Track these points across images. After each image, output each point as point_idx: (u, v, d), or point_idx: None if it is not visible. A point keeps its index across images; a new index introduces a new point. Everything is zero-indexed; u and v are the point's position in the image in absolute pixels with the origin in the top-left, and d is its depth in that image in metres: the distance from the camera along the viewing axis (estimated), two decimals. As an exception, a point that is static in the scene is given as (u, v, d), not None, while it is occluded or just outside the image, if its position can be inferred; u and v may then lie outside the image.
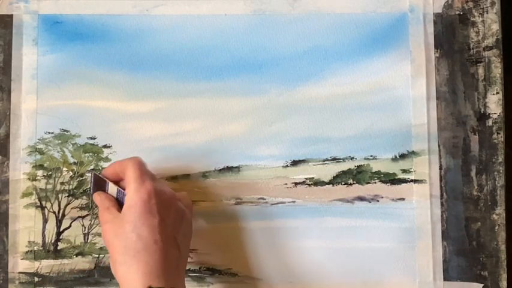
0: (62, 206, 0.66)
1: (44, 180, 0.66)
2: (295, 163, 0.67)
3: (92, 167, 0.66)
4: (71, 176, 0.66)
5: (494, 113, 0.67)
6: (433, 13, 0.67)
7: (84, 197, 0.66)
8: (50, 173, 0.66)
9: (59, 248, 0.65)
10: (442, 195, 0.66)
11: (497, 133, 0.66)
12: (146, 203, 0.55)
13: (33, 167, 0.66)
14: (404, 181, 0.66)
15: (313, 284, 0.65)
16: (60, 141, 0.66)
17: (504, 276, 0.66)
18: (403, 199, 0.66)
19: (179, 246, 0.57)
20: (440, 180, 0.66)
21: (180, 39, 0.67)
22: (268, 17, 0.67)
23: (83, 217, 0.66)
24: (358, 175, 0.66)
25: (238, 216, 0.66)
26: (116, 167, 0.60)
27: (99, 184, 0.61)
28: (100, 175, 0.61)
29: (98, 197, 0.60)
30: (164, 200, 0.57)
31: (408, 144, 0.66)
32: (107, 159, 0.66)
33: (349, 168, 0.66)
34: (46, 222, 0.66)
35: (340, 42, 0.67)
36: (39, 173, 0.66)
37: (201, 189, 0.66)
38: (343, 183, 0.66)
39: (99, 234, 0.66)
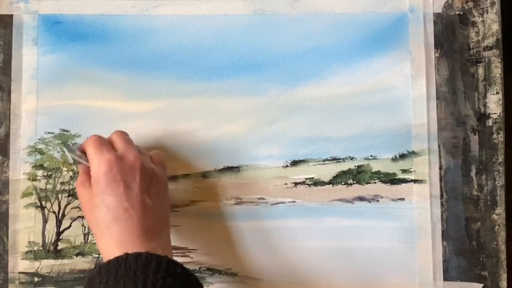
0: (62, 206, 0.66)
1: (44, 180, 0.66)
2: (295, 163, 0.67)
3: (92, 167, 0.66)
4: (71, 176, 0.66)
5: (494, 113, 0.67)
6: (433, 13, 0.67)
7: (84, 197, 0.66)
8: (50, 173, 0.66)
9: (59, 248, 0.65)
10: (442, 195, 0.66)
11: (497, 133, 0.66)
12: (108, 173, 0.56)
13: (33, 167, 0.66)
14: (404, 181, 0.66)
15: (313, 284, 0.65)
16: (60, 141, 0.66)
17: (504, 276, 0.66)
18: (403, 199, 0.66)
19: (152, 209, 0.57)
20: (440, 180, 0.66)
21: (180, 39, 0.67)
22: (268, 17, 0.67)
23: (83, 217, 0.66)
24: (358, 175, 0.66)
25: (238, 216, 0.66)
26: (80, 149, 0.60)
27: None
28: (71, 147, 0.61)
29: (79, 168, 0.61)
30: (127, 166, 0.57)
31: (408, 144, 0.66)
32: (107, 159, 0.66)
33: (349, 168, 0.66)
34: (46, 222, 0.66)
35: (340, 42, 0.67)
36: (39, 173, 0.66)
37: (201, 189, 0.66)
38: (343, 183, 0.66)
39: (99, 234, 0.66)
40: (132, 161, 0.57)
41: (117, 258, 0.52)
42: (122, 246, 0.54)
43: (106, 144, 0.59)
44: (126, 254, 0.52)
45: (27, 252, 0.65)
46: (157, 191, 0.59)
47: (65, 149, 0.62)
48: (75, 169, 0.66)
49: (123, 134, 0.61)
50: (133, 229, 0.55)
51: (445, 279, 0.65)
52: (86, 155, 0.59)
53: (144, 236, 0.55)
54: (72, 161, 0.60)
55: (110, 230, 0.55)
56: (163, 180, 0.61)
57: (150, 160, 0.61)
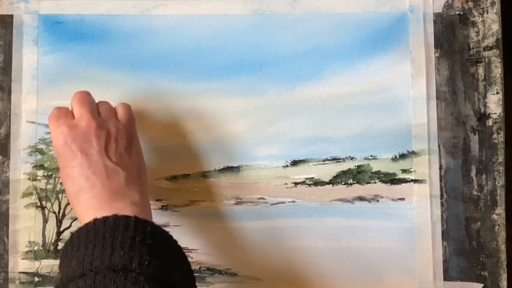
0: (62, 206, 0.66)
1: (44, 180, 0.66)
2: (295, 163, 0.67)
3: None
4: (71, 176, 0.66)
5: (494, 113, 0.67)
6: (433, 13, 0.67)
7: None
8: (50, 173, 0.66)
9: (59, 248, 0.65)
10: (442, 195, 0.66)
11: (497, 133, 0.66)
12: (64, 147, 0.56)
13: (33, 167, 0.66)
14: (404, 181, 0.66)
15: (313, 284, 0.65)
16: (60, 141, 0.66)
17: (504, 276, 0.65)
18: (403, 199, 0.66)
19: (116, 170, 0.56)
20: (440, 180, 0.66)
21: (180, 39, 0.67)
22: (268, 17, 0.67)
23: (83, 217, 0.66)
24: (358, 175, 0.66)
25: (238, 216, 0.66)
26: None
27: None
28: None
29: None
30: (81, 134, 0.57)
31: (408, 144, 0.66)
32: (107, 159, 0.66)
33: (349, 168, 0.66)
34: (46, 222, 0.66)
35: (340, 42, 0.67)
36: (40, 173, 0.66)
37: (201, 189, 0.66)
38: (343, 183, 0.66)
39: (99, 234, 0.66)
40: (85, 127, 0.57)
41: (86, 225, 0.52)
42: (92, 213, 0.54)
43: (63, 115, 0.58)
44: (95, 220, 0.52)
45: (27, 252, 0.65)
46: (119, 149, 0.58)
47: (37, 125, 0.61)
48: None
49: (81, 96, 0.60)
50: (99, 195, 0.55)
51: (445, 279, 0.65)
52: None
53: (111, 199, 0.55)
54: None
55: (78, 200, 0.56)
56: (127, 136, 0.59)
57: (115, 115, 0.60)
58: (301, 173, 0.66)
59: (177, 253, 0.53)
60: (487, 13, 0.67)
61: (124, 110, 0.62)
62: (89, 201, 0.55)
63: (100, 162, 0.56)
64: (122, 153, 0.58)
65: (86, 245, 0.50)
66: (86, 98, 0.60)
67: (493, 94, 0.67)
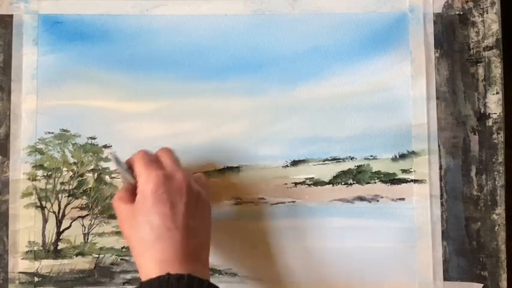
0: (62, 206, 0.66)
1: (44, 180, 0.66)
2: (295, 163, 0.67)
3: (92, 167, 0.66)
4: (71, 176, 0.66)
5: (494, 113, 0.67)
6: (433, 13, 0.67)
7: (84, 197, 0.66)
8: (50, 173, 0.66)
9: (59, 248, 0.65)
10: (442, 195, 0.66)
11: (497, 133, 0.66)
12: (155, 192, 0.56)
13: (33, 167, 0.66)
14: (404, 181, 0.66)
15: (313, 284, 0.65)
16: (60, 141, 0.66)
17: (504, 276, 0.66)
18: (403, 199, 0.66)
19: (195, 232, 0.56)
20: (440, 180, 0.66)
21: (180, 39, 0.67)
22: (268, 17, 0.67)
23: (83, 217, 0.66)
24: (358, 175, 0.66)
25: (238, 216, 0.66)
26: (128, 164, 0.60)
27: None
28: (119, 160, 0.60)
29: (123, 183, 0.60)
30: (174, 186, 0.56)
31: (408, 144, 0.66)
32: (107, 159, 0.66)
33: (349, 168, 0.66)
34: (46, 222, 0.66)
35: (340, 42, 0.67)
36: (39, 173, 0.66)
37: (201, 189, 0.66)
38: (343, 183, 0.66)
39: (99, 234, 0.66)
40: (180, 181, 0.57)
41: (158, 278, 0.52)
42: (163, 265, 0.53)
43: (155, 161, 0.59)
44: (168, 274, 0.52)
45: (27, 252, 0.65)
46: (202, 214, 0.58)
47: (115, 162, 0.59)
48: (75, 169, 0.66)
49: (171, 152, 0.60)
50: (175, 249, 0.54)
51: (445, 279, 0.65)
52: (132, 170, 0.59)
53: (186, 258, 0.54)
54: (121, 175, 0.59)
55: (152, 248, 0.54)
56: (208, 204, 0.60)
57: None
58: (301, 173, 0.66)
59: None
60: (487, 13, 0.67)
61: (203, 180, 0.62)
62: (163, 253, 0.54)
63: (184, 219, 0.56)
64: (203, 218, 0.58)
65: None
66: (175, 155, 0.60)
67: (493, 94, 0.67)
